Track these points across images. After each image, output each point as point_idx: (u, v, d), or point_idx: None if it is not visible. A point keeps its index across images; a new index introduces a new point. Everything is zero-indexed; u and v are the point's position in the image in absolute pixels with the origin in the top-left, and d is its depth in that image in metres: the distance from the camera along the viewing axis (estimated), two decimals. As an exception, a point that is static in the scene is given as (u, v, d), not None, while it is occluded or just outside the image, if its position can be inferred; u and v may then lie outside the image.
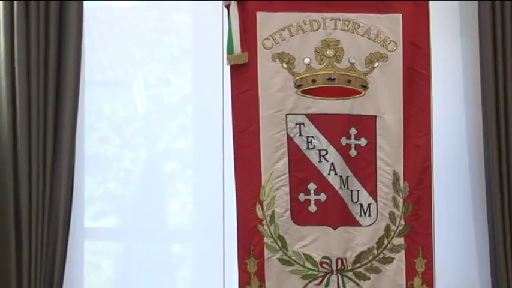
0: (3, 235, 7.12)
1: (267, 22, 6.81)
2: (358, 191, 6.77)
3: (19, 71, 7.18)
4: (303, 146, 6.79)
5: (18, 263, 7.10)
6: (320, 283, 6.71)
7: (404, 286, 6.70)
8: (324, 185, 6.77)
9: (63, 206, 7.20)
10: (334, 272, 6.71)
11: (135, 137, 7.95)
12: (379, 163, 6.77)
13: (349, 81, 6.78)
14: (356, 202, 6.76)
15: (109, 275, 7.73)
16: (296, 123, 6.78)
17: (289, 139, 6.78)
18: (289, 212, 6.75)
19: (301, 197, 6.78)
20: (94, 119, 7.65)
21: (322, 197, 6.77)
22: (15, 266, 7.09)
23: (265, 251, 6.73)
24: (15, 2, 7.22)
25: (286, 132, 6.78)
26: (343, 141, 6.76)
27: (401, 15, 6.77)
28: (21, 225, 7.12)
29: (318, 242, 6.74)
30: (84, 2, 7.37)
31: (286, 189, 6.76)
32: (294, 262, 6.71)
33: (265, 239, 6.71)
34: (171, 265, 7.80)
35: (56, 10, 7.30)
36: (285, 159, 6.78)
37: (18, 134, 7.14)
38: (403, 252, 6.72)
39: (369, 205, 6.75)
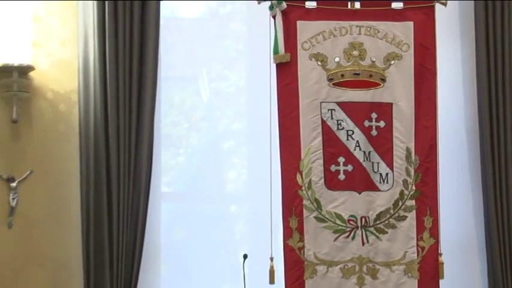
0: (98, 198, 7.16)
1: (305, 29, 6.85)
2: (378, 163, 6.82)
3: (109, 66, 7.21)
4: (334, 128, 6.83)
5: (109, 219, 7.16)
6: (348, 236, 6.75)
7: (415, 239, 6.73)
8: (350, 158, 6.83)
9: (145, 174, 7.24)
10: (359, 228, 6.76)
11: (200, 121, 8.00)
12: (395, 141, 6.81)
13: (370, 76, 6.82)
14: (376, 172, 6.81)
15: (180, 230, 7.75)
16: (328, 109, 6.82)
17: (323, 122, 6.83)
18: (323, 180, 6.80)
19: (333, 168, 6.83)
20: (168, 107, 7.66)
21: (349, 168, 6.82)
22: (107, 222, 7.15)
23: (304, 211, 6.78)
24: (106, 2, 7.25)
25: (321, 116, 6.83)
26: (366, 123, 6.82)
27: (412, 22, 6.81)
28: (111, 189, 7.18)
29: (346, 203, 6.78)
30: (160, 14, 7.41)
31: (321, 161, 6.82)
32: (327, 220, 6.76)
33: (304, 201, 6.77)
34: (229, 222, 7.84)
35: (138, 12, 7.33)
36: (320, 138, 6.83)
37: (109, 118, 7.18)
38: (414, 211, 6.77)
39: (386, 174, 6.79)
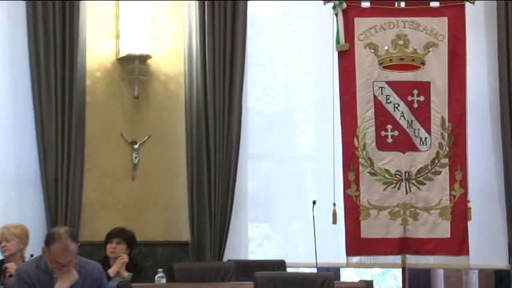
0: (199, 156, 7.23)
1: (361, 24, 6.84)
2: (418, 129, 6.80)
3: (208, 55, 7.28)
4: (383, 101, 6.81)
5: (208, 173, 7.24)
6: (394, 187, 6.74)
7: (448, 189, 6.72)
8: (396, 125, 6.81)
9: (235, 138, 7.33)
10: (403, 180, 6.75)
11: (277, 97, 8.00)
12: (432, 111, 6.78)
13: (413, 60, 6.79)
14: (417, 136, 6.79)
15: (262, 181, 7.77)
16: (379, 87, 6.81)
17: (375, 97, 6.82)
18: (374, 142, 6.80)
19: (382, 133, 6.81)
20: (252, 86, 7.65)
21: (396, 133, 6.80)
22: (206, 175, 7.23)
23: (360, 167, 6.79)
24: (205, 2, 7.29)
25: (373, 92, 6.82)
26: (409, 98, 6.79)
27: (447, 18, 6.78)
28: (209, 150, 7.26)
29: (393, 161, 6.77)
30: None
31: (373, 128, 6.80)
32: (378, 174, 6.76)
33: (360, 160, 6.78)
34: (300, 175, 7.88)
35: (230, 11, 7.37)
36: (372, 110, 6.82)
37: (207, 95, 7.26)
38: (447, 167, 6.74)
39: (425, 138, 6.77)
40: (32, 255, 5.97)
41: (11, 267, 5.93)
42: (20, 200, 6.99)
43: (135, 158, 7.29)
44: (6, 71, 7.08)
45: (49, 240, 5.08)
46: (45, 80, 6.97)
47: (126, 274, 6.33)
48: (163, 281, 6.40)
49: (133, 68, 7.26)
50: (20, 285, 5.01)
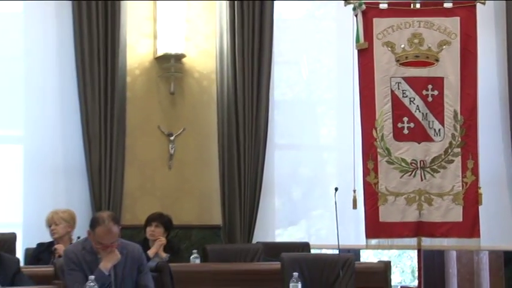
0: (230, 147, 7.26)
1: (379, 24, 6.76)
2: (432, 121, 6.72)
3: (238, 53, 7.31)
4: (400, 95, 6.73)
5: (238, 162, 7.27)
6: (410, 174, 6.67)
7: (460, 176, 6.64)
8: (412, 118, 6.74)
9: (263, 130, 7.35)
10: (419, 168, 6.68)
11: (301, 92, 8.02)
12: (445, 105, 6.70)
13: (427, 57, 6.70)
14: (431, 128, 6.71)
15: (288, 170, 7.73)
16: (396, 82, 6.72)
17: (392, 91, 6.74)
18: (392, 133, 6.72)
19: (399, 125, 6.73)
20: (278, 82, 7.65)
21: (411, 125, 6.72)
22: (236, 164, 7.26)
23: (378, 156, 6.73)
24: (235, 2, 7.32)
25: (390, 87, 6.74)
26: (424, 92, 6.70)
27: (459, 17, 6.69)
28: (239, 141, 7.29)
29: (409, 151, 6.69)
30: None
31: (390, 120, 6.73)
32: (395, 162, 6.69)
33: (378, 149, 6.71)
34: (322, 165, 7.88)
35: (258, 11, 7.39)
36: (389, 103, 6.75)
37: (237, 91, 7.29)
38: (459, 156, 6.66)
39: (439, 129, 6.69)
40: (78, 238, 6.00)
41: (60, 248, 5.98)
42: (67, 188, 7.05)
43: (171, 148, 7.32)
44: (55, 69, 7.12)
45: (94, 223, 5.13)
46: (90, 77, 7.01)
47: (164, 255, 6.37)
48: (198, 261, 6.44)
49: (169, 66, 7.29)
50: (68, 265, 5.06)
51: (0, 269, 4.90)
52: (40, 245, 6.28)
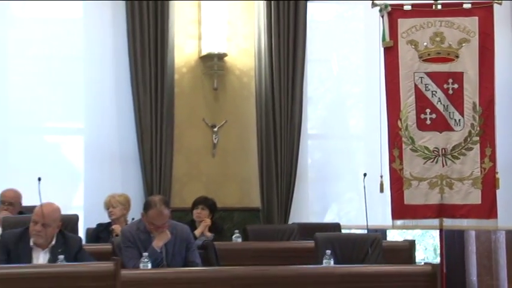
0: (268, 137, 7.28)
1: (404, 24, 6.65)
2: (453, 112, 6.58)
3: (274, 52, 7.32)
4: (423, 89, 6.60)
5: (275, 151, 7.29)
6: (433, 161, 6.55)
7: (479, 162, 6.51)
8: (434, 109, 6.61)
9: (297, 121, 7.37)
10: (440, 155, 6.56)
11: (331, 87, 8.01)
12: (465, 97, 6.57)
13: (448, 54, 6.59)
14: (452, 118, 6.58)
15: (320, 158, 7.81)
16: (419, 77, 6.60)
17: (415, 85, 6.62)
18: (415, 124, 6.61)
19: (422, 116, 6.61)
20: (310, 78, 7.63)
21: (433, 116, 6.59)
22: (273, 152, 7.28)
23: (403, 145, 6.61)
24: (272, 3, 7.31)
25: (414, 82, 6.61)
26: (445, 86, 6.57)
27: (477, 17, 6.56)
28: (276, 131, 7.31)
29: (431, 139, 6.58)
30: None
31: (414, 112, 6.61)
32: (418, 150, 6.58)
33: (403, 138, 6.59)
34: (351, 153, 7.85)
35: (293, 12, 7.39)
36: (413, 96, 6.63)
37: (274, 86, 7.31)
38: (478, 144, 6.53)
39: (459, 120, 6.55)
40: (133, 219, 6.09)
41: (117, 228, 6.06)
42: (123, 174, 7.13)
43: (215, 138, 7.35)
44: (111, 68, 7.19)
45: (147, 206, 5.19)
46: (142, 75, 7.07)
47: (209, 234, 6.41)
48: (239, 240, 6.48)
49: (212, 64, 7.32)
50: (125, 243, 5.13)
51: (64, 247, 4.96)
52: (99, 225, 6.37)
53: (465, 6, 6.71)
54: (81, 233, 6.20)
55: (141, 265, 4.83)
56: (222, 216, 7.06)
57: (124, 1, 7.08)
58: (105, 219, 6.37)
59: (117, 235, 5.79)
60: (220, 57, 7.35)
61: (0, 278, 4.24)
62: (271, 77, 7.35)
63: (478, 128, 6.62)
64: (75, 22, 7.23)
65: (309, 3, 7.54)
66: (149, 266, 4.82)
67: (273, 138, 7.33)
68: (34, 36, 7.14)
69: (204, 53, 7.34)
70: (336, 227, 6.97)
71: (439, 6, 6.78)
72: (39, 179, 5.01)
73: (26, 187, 6.13)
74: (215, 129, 7.37)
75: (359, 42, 7.95)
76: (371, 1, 6.75)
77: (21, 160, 7.00)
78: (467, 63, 6.66)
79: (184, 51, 7.36)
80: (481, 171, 6.61)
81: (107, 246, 5.55)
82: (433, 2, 6.77)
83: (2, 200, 6.19)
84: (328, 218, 7.64)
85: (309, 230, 6.55)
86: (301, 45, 7.46)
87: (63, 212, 5.17)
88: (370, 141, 7.42)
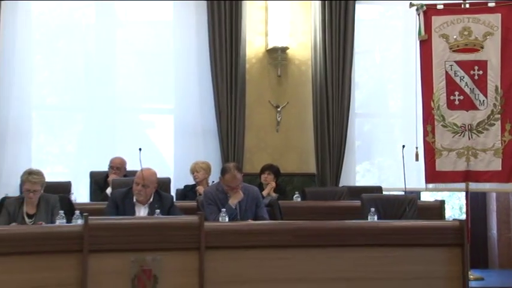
0: (321, 115, 7.18)
1: (437, 20, 6.52)
2: (478, 94, 6.46)
3: (327, 45, 7.24)
4: (452, 75, 6.49)
5: (328, 127, 7.19)
6: (460, 135, 6.46)
7: (500, 136, 6.39)
8: (462, 92, 6.49)
9: (346, 102, 7.29)
10: (467, 130, 6.46)
11: (375, 73, 7.94)
12: (488, 81, 6.43)
13: (474, 45, 6.44)
14: (477, 99, 6.46)
15: (365, 133, 7.71)
16: (449, 65, 6.48)
17: (446, 72, 6.50)
18: (446, 104, 6.50)
19: (451, 97, 6.50)
20: (357, 66, 7.51)
21: (461, 97, 6.47)
22: (326, 128, 7.19)
23: (435, 121, 6.53)
24: (326, 2, 7.22)
25: (445, 69, 6.50)
26: (471, 72, 6.44)
27: (500, 14, 6.40)
28: (329, 110, 7.22)
29: (459, 117, 6.47)
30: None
31: (444, 94, 6.50)
32: (448, 126, 6.48)
33: (435, 116, 6.50)
34: (391, 129, 7.76)
35: (343, 10, 7.29)
36: (444, 81, 6.52)
37: (327, 73, 7.23)
38: (499, 121, 6.40)
39: (483, 100, 6.42)
40: (213, 182, 6.15)
41: (200, 189, 6.12)
42: (204, 146, 7.16)
43: (278, 117, 7.34)
44: (195, 59, 7.21)
45: (223, 172, 5.23)
46: (220, 65, 7.09)
47: (274, 195, 6.41)
48: (299, 199, 6.48)
49: (277, 56, 7.30)
50: (207, 201, 5.18)
51: (160, 203, 5.04)
52: (186, 186, 6.45)
53: (490, 4, 6.57)
54: (172, 193, 6.29)
55: (219, 219, 4.87)
56: (285, 180, 7.05)
57: (206, 1, 7.08)
58: (191, 181, 6.44)
59: (200, 194, 5.84)
60: (283, 50, 7.31)
61: (112, 227, 4.34)
62: (325, 66, 7.27)
63: (500, 107, 6.48)
64: (167, 24, 7.29)
65: (356, 4, 7.43)
66: (226, 219, 4.87)
67: (326, 116, 7.27)
68: (135, 35, 7.26)
69: (269, 46, 7.31)
70: (378, 189, 6.91)
71: (467, 5, 6.63)
72: (140, 149, 5.07)
73: (129, 155, 6.24)
74: (278, 109, 7.35)
75: (398, 37, 7.80)
76: (409, 1, 6.63)
77: (126, 134, 7.12)
78: (491, 53, 6.51)
79: (253, 45, 7.35)
80: (502, 143, 6.49)
81: (193, 203, 5.60)
82: (461, 1, 6.63)
83: (111, 166, 6.31)
84: (372, 182, 7.57)
85: (355, 191, 6.50)
86: (350, 39, 7.36)
87: (158, 175, 5.24)
88: (406, 118, 7.32)
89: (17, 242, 4.13)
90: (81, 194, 6.39)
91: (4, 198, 5.10)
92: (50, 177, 5.09)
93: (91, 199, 6.23)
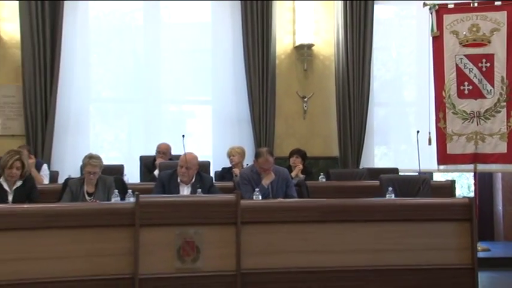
0: (344, 103, 7.09)
1: (448, 18, 6.49)
2: (486, 84, 6.40)
3: (348, 41, 7.13)
4: (462, 67, 6.45)
5: (350, 114, 7.12)
6: (469, 121, 6.43)
7: (505, 121, 6.35)
8: (471, 82, 6.44)
9: (366, 92, 7.19)
10: (475, 117, 6.43)
11: (391, 67, 7.81)
12: (495, 73, 6.38)
13: (482, 40, 6.41)
14: (485, 89, 6.41)
15: (383, 120, 7.56)
16: (459, 58, 6.45)
17: (456, 65, 6.47)
18: (456, 93, 6.46)
19: (461, 87, 6.46)
20: (375, 60, 7.39)
21: (470, 87, 6.44)
22: (348, 116, 7.13)
23: (446, 109, 6.50)
24: (347, 3, 7.13)
25: (455, 62, 6.46)
26: (479, 64, 6.40)
27: (506, 11, 6.34)
28: (350, 100, 7.14)
29: (468, 105, 6.44)
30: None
31: (455, 84, 6.46)
32: (458, 113, 6.46)
33: (446, 104, 6.48)
34: (407, 116, 7.64)
35: (363, 11, 7.18)
36: (454, 73, 6.47)
37: (348, 66, 7.12)
38: (505, 108, 6.37)
39: (490, 89, 6.39)
40: (247, 164, 6.15)
41: (236, 171, 6.12)
42: (239, 132, 7.14)
43: (305, 106, 7.30)
44: (231, 56, 7.18)
45: (257, 155, 5.23)
46: (252, 60, 7.06)
47: (302, 176, 6.37)
48: (324, 180, 6.43)
49: (303, 52, 7.26)
50: (242, 181, 5.19)
51: (201, 183, 5.05)
52: (224, 168, 6.44)
53: (496, 3, 6.51)
54: (212, 174, 6.32)
55: (254, 197, 4.87)
56: (311, 163, 7.00)
57: (240, 1, 7.04)
58: (228, 164, 6.45)
59: (236, 176, 5.86)
60: (309, 46, 7.25)
61: (160, 204, 4.37)
62: (346, 61, 7.20)
63: (505, 96, 6.43)
64: (205, 24, 7.27)
65: (375, 5, 7.31)
66: (260, 197, 4.87)
67: (347, 105, 7.20)
68: (177, 35, 7.25)
69: (297, 44, 7.26)
70: (395, 170, 6.82)
71: (476, 4, 6.57)
72: (183, 136, 5.10)
73: (174, 142, 6.27)
74: (305, 99, 7.30)
75: (412, 34, 7.68)
76: (423, 2, 6.55)
77: (170, 123, 7.15)
78: (497, 47, 6.43)
79: (282, 42, 7.30)
80: (507, 128, 6.43)
81: (230, 184, 5.62)
82: (470, 1, 6.55)
83: (158, 151, 6.34)
84: (389, 164, 7.46)
85: (374, 172, 6.46)
86: (369, 37, 7.26)
87: (199, 159, 5.25)
88: (420, 107, 7.23)
89: (79, 217, 4.19)
90: (132, 175, 6.44)
91: (68, 179, 5.20)
92: (105, 161, 5.13)
93: (141, 180, 6.28)
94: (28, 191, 4.81)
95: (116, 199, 4.63)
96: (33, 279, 4.03)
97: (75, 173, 6.03)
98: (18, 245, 4.04)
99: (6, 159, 4.77)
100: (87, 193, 4.89)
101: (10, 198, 4.76)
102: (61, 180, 5.78)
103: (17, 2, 6.54)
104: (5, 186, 4.79)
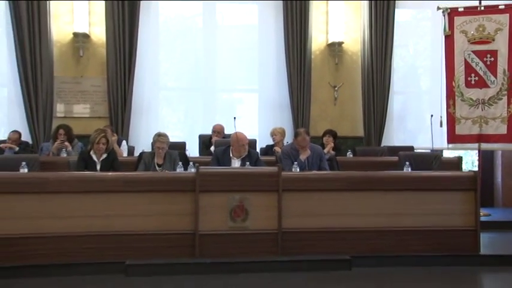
0: (368, 92, 6.99)
1: (458, 20, 6.25)
2: (490, 76, 6.16)
3: (373, 39, 6.99)
4: (470, 61, 6.21)
5: (373, 103, 7.03)
6: (475, 107, 6.21)
7: (506, 107, 6.13)
8: (477, 74, 6.21)
9: (387, 82, 7.06)
10: (480, 103, 6.21)
11: (408, 61, 7.60)
12: (498, 65, 6.13)
13: (487, 38, 6.15)
14: (489, 79, 6.17)
15: (401, 106, 7.37)
16: (468, 54, 6.21)
17: (465, 59, 6.24)
18: (464, 83, 6.25)
19: (469, 78, 6.23)
20: (395, 55, 7.19)
21: (476, 78, 6.20)
22: (372, 104, 7.03)
23: (455, 97, 6.29)
24: (372, 3, 6.98)
25: (464, 57, 6.23)
26: (485, 59, 6.16)
27: (508, 14, 6.08)
28: (374, 89, 7.01)
29: (474, 93, 6.22)
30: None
31: (463, 76, 6.24)
32: (466, 100, 6.24)
33: (456, 93, 6.27)
34: (422, 103, 7.43)
35: (386, 12, 7.04)
36: (463, 66, 6.25)
37: (373, 60, 6.98)
38: (506, 96, 6.13)
39: (493, 80, 6.15)
40: (287, 142, 6.14)
41: (277, 148, 6.13)
42: (281, 116, 7.10)
43: (335, 94, 7.21)
44: (273, 53, 7.11)
45: (296, 135, 5.24)
46: (291, 56, 7.01)
47: (333, 152, 6.34)
48: (351, 155, 6.41)
49: (334, 48, 7.16)
50: (284, 156, 5.21)
51: (249, 157, 5.08)
52: (267, 145, 6.45)
53: (500, 7, 6.26)
54: (258, 150, 6.34)
55: (293, 169, 4.90)
56: (340, 141, 6.91)
57: (281, 1, 6.96)
58: (271, 142, 6.46)
59: (277, 152, 5.89)
60: (339, 44, 7.15)
61: (216, 174, 4.43)
62: (371, 56, 7.07)
63: (506, 85, 6.21)
64: (253, 26, 7.24)
65: (395, 9, 7.12)
66: (298, 170, 4.89)
67: (371, 93, 7.09)
68: (230, 35, 7.24)
69: (329, 41, 7.16)
70: (411, 148, 6.75)
71: (482, 8, 6.32)
72: (235, 118, 5.14)
73: (227, 123, 6.32)
74: (336, 88, 7.22)
75: (427, 33, 7.49)
76: (436, 6, 6.37)
77: (223, 107, 7.18)
78: (501, 44, 6.21)
79: (317, 40, 7.20)
80: (507, 113, 6.24)
81: (272, 158, 5.64)
82: (478, 5, 6.29)
83: (213, 130, 6.40)
84: (406, 143, 7.30)
85: (393, 150, 6.39)
86: (390, 35, 7.10)
87: (247, 137, 5.28)
88: (433, 95, 7.07)
89: (151, 183, 4.28)
90: (193, 150, 6.54)
91: (142, 153, 5.32)
92: (171, 139, 5.20)
93: (200, 154, 6.36)
94: (112, 162, 4.96)
95: (180, 169, 4.73)
96: (117, 231, 4.20)
97: (148, 148, 6.16)
98: (105, 204, 4.19)
99: (94, 136, 4.94)
100: (157, 164, 4.98)
101: (98, 167, 4.92)
102: (136, 153, 5.94)
103: (103, 2, 6.67)
104: (94, 158, 4.96)
